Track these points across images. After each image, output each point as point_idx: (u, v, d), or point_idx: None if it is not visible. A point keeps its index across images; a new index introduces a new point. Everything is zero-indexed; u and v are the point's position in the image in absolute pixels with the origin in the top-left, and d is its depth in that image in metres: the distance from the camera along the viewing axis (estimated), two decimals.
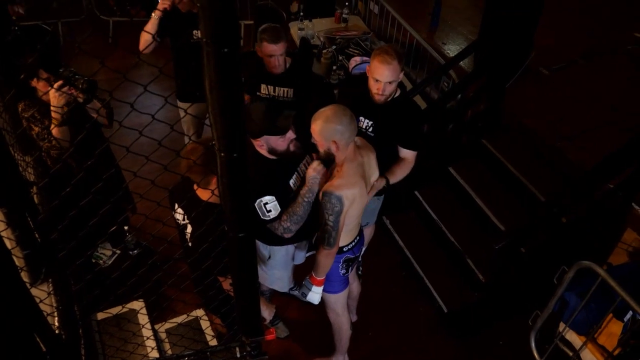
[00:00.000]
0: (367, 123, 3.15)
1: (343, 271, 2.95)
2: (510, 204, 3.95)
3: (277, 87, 3.61)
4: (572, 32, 5.26)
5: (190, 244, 2.65)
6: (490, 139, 4.26)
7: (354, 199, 2.58)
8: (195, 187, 2.55)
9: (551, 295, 3.02)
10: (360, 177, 2.65)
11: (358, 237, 2.93)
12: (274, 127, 2.59)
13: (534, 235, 3.27)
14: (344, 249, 2.86)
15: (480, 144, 4.28)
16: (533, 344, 3.18)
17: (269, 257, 3.14)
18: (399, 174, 3.17)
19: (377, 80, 2.96)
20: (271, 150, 2.70)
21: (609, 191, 3.40)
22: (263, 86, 3.62)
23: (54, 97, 2.82)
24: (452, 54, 4.94)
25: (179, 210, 2.68)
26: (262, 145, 2.68)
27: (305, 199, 2.71)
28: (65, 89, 2.81)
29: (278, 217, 2.74)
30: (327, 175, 2.71)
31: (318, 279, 2.85)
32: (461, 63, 4.48)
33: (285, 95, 3.61)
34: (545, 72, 4.65)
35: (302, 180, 2.85)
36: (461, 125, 4.54)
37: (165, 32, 3.70)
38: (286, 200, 2.77)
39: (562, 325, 3.07)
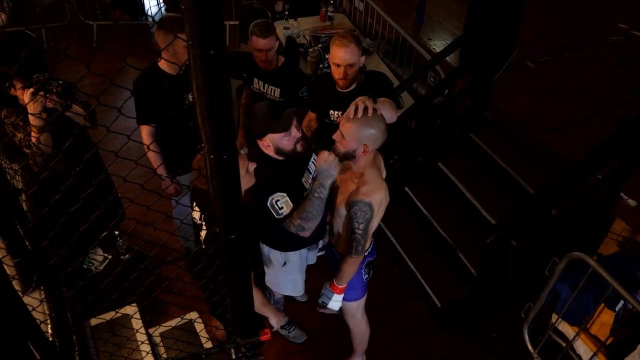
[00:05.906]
0: (339, 115, 3.13)
1: (366, 276, 2.93)
2: (500, 198, 3.98)
3: (266, 84, 3.62)
4: (556, 24, 5.29)
5: (204, 246, 2.59)
6: (478, 133, 4.28)
7: (381, 202, 2.57)
8: None
9: (543, 287, 3.04)
10: (382, 179, 2.64)
11: (373, 239, 2.90)
12: (276, 125, 2.56)
13: (525, 227, 3.29)
14: (365, 253, 2.81)
15: (469, 138, 4.30)
16: (526, 336, 3.21)
17: (284, 264, 3.08)
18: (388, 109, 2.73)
19: (338, 66, 2.96)
20: (278, 151, 2.66)
21: (597, 182, 3.42)
22: (255, 80, 3.65)
23: (30, 104, 2.76)
24: (438, 50, 4.94)
25: (196, 208, 2.64)
26: (269, 145, 2.64)
27: (316, 195, 2.60)
28: (40, 94, 2.75)
29: (290, 215, 2.67)
30: (349, 175, 2.66)
31: (340, 287, 2.79)
32: (447, 58, 4.49)
33: (272, 93, 3.62)
34: (531, 65, 4.67)
35: (313, 178, 2.80)
36: (449, 120, 4.56)
37: (154, 118, 3.19)
38: (300, 198, 2.69)
39: (554, 317, 3.09)
